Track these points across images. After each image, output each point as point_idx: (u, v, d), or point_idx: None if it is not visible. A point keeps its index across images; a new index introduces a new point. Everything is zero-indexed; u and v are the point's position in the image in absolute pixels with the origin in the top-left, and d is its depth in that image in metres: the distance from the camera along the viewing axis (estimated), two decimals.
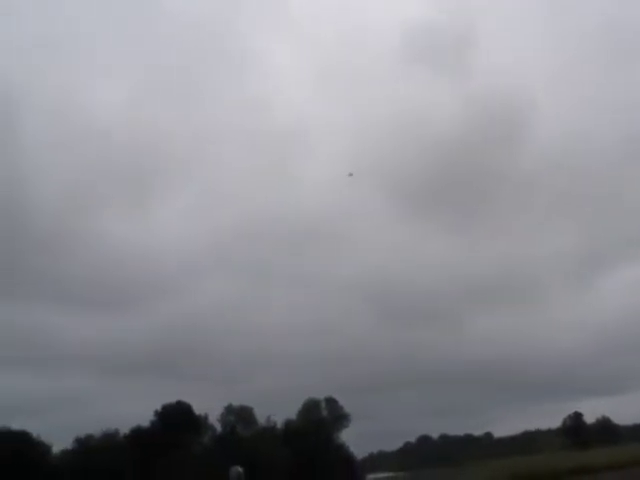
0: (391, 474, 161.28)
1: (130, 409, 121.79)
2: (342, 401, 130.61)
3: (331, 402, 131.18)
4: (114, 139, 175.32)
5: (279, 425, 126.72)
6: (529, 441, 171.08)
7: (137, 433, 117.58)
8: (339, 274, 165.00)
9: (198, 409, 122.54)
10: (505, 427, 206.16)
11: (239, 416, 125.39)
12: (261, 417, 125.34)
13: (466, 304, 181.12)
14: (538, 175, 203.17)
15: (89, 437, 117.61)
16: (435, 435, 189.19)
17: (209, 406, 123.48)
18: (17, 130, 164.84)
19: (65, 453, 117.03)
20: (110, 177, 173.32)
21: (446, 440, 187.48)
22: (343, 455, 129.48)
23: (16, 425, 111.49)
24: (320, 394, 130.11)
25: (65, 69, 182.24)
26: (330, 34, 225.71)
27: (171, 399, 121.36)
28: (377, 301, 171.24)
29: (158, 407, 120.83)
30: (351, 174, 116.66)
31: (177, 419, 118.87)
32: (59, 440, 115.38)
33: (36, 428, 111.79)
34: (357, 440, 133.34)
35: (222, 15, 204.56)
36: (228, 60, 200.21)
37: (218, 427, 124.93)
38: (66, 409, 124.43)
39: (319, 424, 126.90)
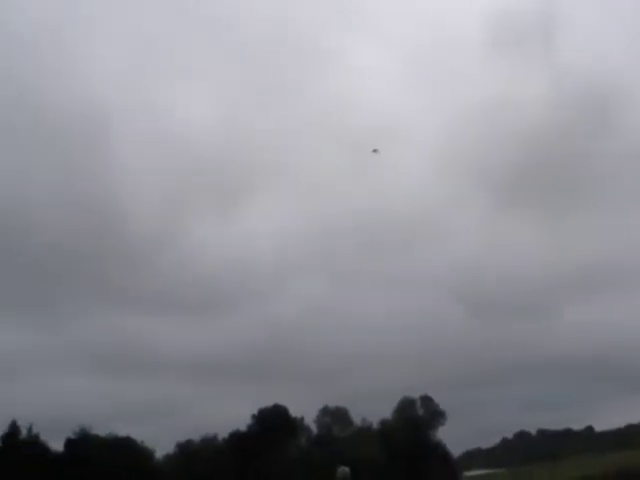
0: (489, 471, 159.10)
1: (228, 413, 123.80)
2: (437, 399, 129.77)
3: (426, 400, 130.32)
4: (205, 145, 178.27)
5: (375, 425, 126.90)
6: (633, 435, 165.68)
7: (235, 437, 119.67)
8: (430, 269, 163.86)
9: (294, 411, 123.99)
10: (607, 420, 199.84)
11: (335, 417, 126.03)
12: (357, 417, 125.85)
13: (560, 294, 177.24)
14: (631, 160, 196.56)
15: (189, 442, 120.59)
16: (533, 430, 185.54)
17: (305, 408, 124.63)
18: (112, 142, 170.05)
19: (168, 458, 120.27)
20: (201, 183, 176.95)
21: (544, 435, 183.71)
22: (440, 453, 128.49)
23: (121, 431, 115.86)
24: (415, 392, 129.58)
25: (154, 80, 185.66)
26: (413, 26, 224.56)
27: (267, 402, 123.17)
28: (469, 295, 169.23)
29: (255, 411, 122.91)
30: (376, 150, 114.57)
31: (274, 422, 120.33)
32: (161, 445, 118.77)
33: (139, 434, 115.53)
34: (453, 438, 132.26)
35: (306, 14, 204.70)
36: (313, 59, 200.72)
37: (314, 429, 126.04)
38: (166, 414, 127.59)
39: (415, 423, 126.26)
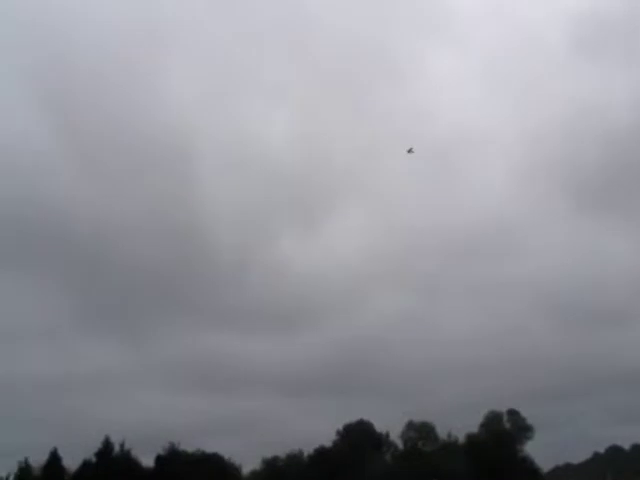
0: None
1: (313, 429, 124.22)
2: (525, 412, 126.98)
3: (513, 414, 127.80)
4: (286, 163, 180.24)
5: (461, 439, 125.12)
6: None
7: (321, 453, 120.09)
8: (514, 279, 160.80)
9: (379, 427, 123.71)
10: None
11: (420, 432, 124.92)
12: (442, 432, 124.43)
13: None
14: None
15: (275, 458, 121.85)
16: (626, 445, 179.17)
17: (390, 423, 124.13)
18: (196, 165, 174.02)
19: (254, 474, 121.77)
20: (283, 201, 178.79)
21: (639, 450, 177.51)
22: (528, 468, 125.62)
23: (208, 447, 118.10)
24: (501, 406, 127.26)
25: (235, 101, 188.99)
26: (493, 32, 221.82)
27: (352, 418, 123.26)
28: (555, 304, 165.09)
29: (340, 426, 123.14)
30: (410, 150, 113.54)
31: (359, 438, 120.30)
32: (247, 461, 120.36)
33: (226, 450, 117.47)
34: (542, 452, 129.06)
35: (381, 28, 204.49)
36: (390, 72, 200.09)
37: (399, 444, 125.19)
38: (252, 430, 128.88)
39: (502, 437, 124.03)
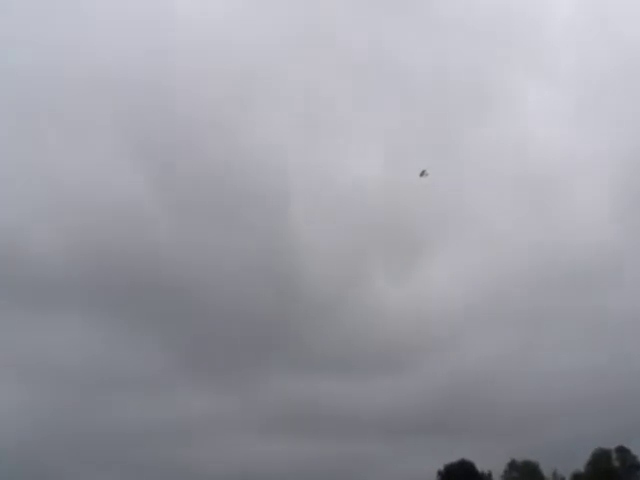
0: None
1: (413, 470, 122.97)
2: (635, 450, 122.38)
3: (622, 451, 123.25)
4: (377, 204, 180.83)
5: (567, 479, 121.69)
6: None
7: None
8: (618, 311, 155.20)
9: (481, 466, 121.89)
10: None
11: (523, 471, 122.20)
12: (547, 471, 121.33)
13: None
14: None
15: None
16: None
17: (492, 463, 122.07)
18: (291, 209, 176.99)
19: None
20: (376, 243, 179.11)
21: None
22: None
23: None
24: (610, 443, 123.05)
25: (323, 138, 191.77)
26: (587, 62, 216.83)
27: (453, 458, 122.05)
28: None
29: (441, 467, 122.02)
30: (424, 172, 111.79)
31: (460, 478, 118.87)
32: None
33: None
34: None
35: (473, 57, 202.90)
36: (480, 102, 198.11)
37: None
38: (353, 474, 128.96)
39: (610, 476, 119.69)
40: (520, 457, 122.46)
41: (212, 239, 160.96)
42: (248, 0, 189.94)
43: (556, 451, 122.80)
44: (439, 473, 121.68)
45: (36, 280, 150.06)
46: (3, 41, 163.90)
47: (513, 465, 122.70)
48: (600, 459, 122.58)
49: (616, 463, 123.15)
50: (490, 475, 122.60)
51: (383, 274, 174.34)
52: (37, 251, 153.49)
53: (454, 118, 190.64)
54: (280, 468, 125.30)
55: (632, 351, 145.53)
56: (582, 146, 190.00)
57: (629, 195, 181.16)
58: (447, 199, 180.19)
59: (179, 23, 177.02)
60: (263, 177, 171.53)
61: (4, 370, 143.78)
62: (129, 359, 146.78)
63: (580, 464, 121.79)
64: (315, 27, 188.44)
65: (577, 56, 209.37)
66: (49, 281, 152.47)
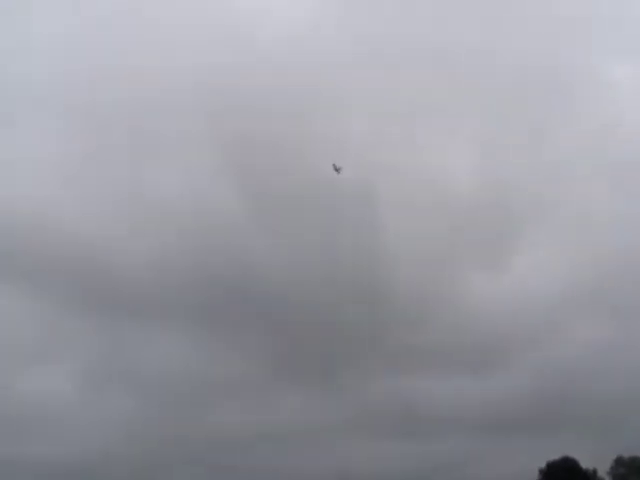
0: None
1: (514, 468, 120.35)
2: None
3: None
4: (466, 201, 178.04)
5: None
6: None
7: None
8: None
9: (585, 464, 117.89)
10: None
11: (631, 468, 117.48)
12: None
13: None
14: None
15: None
16: None
17: (597, 460, 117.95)
18: (380, 210, 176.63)
19: None
20: (467, 240, 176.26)
21: None
22: None
23: None
24: None
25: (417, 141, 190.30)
26: None
27: (555, 455, 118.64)
28: None
29: (543, 465, 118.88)
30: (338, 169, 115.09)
31: (564, 476, 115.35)
32: None
33: None
34: None
35: (554, 41, 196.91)
36: (565, 88, 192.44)
37: None
38: (452, 473, 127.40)
39: None
40: (627, 453, 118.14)
41: (304, 247, 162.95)
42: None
43: None
44: (541, 471, 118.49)
45: (135, 295, 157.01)
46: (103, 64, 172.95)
47: (620, 461, 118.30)
48: None
49: None
50: (595, 472, 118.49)
51: (478, 271, 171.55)
52: (134, 265, 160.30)
53: (543, 107, 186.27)
54: (380, 469, 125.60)
55: None
56: None
57: None
58: (538, 191, 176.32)
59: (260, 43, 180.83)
60: (351, 181, 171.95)
61: (115, 379, 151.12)
62: (229, 366, 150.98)
63: None
64: (406, 26, 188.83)
65: None
66: (147, 295, 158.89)
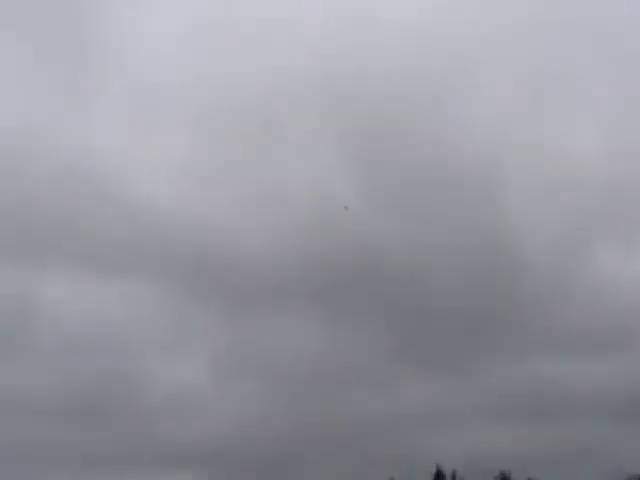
0: None
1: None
2: None
3: None
4: (599, 177, 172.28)
5: None
6: None
7: None
8: None
9: None
10: None
11: None
12: None
13: None
14: None
15: None
16: None
17: None
18: (506, 189, 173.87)
19: None
20: (600, 217, 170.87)
21: None
22: None
23: (539, 476, 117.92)
24: None
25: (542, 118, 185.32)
26: None
27: None
28: None
29: None
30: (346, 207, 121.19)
31: None
32: None
33: (557, 478, 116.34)
34: None
35: None
36: None
37: None
38: (584, 458, 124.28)
39: None
40: None
41: (426, 229, 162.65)
42: None
43: None
44: None
45: (261, 282, 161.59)
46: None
47: None
48: None
49: None
50: None
51: (608, 251, 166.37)
52: (260, 254, 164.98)
53: None
54: (512, 452, 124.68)
55: None
56: None
57: None
58: None
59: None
60: (474, 161, 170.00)
61: (245, 368, 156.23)
62: (356, 352, 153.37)
63: None
64: None
65: None
66: (274, 282, 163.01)
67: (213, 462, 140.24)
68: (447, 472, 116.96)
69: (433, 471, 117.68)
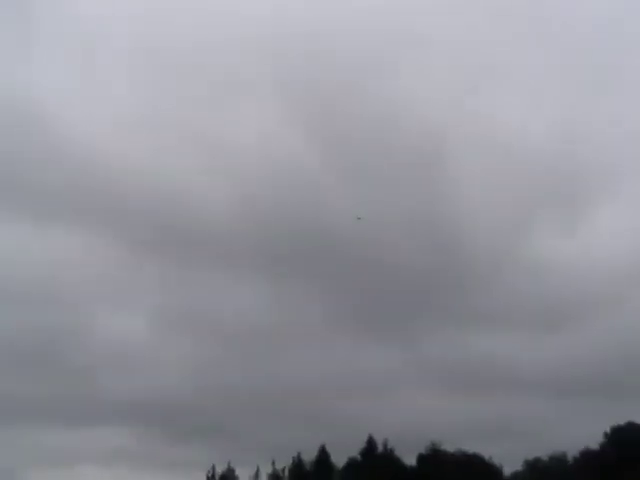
0: None
1: (578, 431, 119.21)
2: None
3: None
4: (541, 159, 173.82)
5: None
6: None
7: (587, 456, 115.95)
8: None
9: None
10: None
11: None
12: None
13: None
14: None
15: (537, 460, 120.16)
16: None
17: None
18: (450, 165, 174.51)
19: (516, 475, 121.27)
20: (540, 199, 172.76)
21: None
22: None
23: (469, 448, 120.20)
24: None
25: (481, 92, 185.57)
26: None
27: (621, 420, 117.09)
28: None
29: (608, 429, 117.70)
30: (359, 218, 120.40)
31: (629, 441, 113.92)
32: (509, 463, 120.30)
33: (487, 451, 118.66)
34: None
35: None
36: None
37: None
38: (514, 432, 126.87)
39: None
40: None
41: (376, 200, 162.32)
42: None
43: None
44: (606, 435, 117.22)
45: (206, 238, 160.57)
46: None
47: None
48: None
49: None
50: None
51: (549, 228, 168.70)
52: (212, 213, 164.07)
53: (619, 67, 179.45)
54: (444, 424, 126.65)
55: None
56: None
57: None
58: (618, 149, 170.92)
59: None
60: (422, 136, 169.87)
61: (186, 325, 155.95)
62: (302, 315, 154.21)
63: None
64: None
65: None
66: (219, 240, 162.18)
67: (149, 417, 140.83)
68: (379, 441, 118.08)
69: (365, 440, 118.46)
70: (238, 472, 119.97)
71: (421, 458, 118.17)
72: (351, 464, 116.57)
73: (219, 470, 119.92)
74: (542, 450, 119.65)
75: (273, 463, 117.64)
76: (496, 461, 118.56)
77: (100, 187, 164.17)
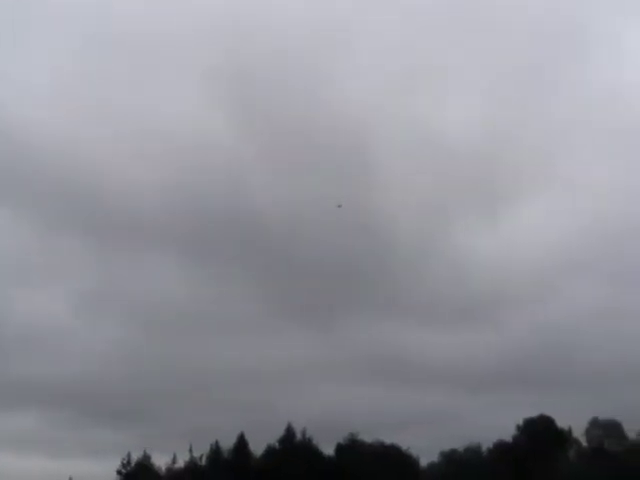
0: None
1: (492, 423, 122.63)
2: None
3: None
4: (466, 148, 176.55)
5: None
6: None
7: (500, 447, 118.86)
8: None
9: (561, 423, 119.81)
10: None
11: (606, 430, 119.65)
12: (630, 431, 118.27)
13: None
14: None
15: (453, 451, 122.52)
16: None
17: (573, 420, 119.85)
18: (372, 157, 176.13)
19: (432, 466, 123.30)
20: (462, 190, 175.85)
21: None
22: None
23: (387, 438, 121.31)
24: None
25: (408, 85, 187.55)
26: None
27: (533, 413, 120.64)
28: None
29: (520, 421, 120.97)
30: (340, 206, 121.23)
31: (540, 433, 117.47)
32: (426, 454, 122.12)
33: (404, 442, 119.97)
34: None
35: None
36: (575, 50, 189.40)
37: (583, 442, 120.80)
38: (431, 423, 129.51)
39: None
40: (603, 415, 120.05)
41: (298, 187, 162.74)
42: None
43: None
44: (518, 427, 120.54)
45: (129, 222, 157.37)
46: None
47: (595, 423, 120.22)
48: None
49: None
50: (570, 431, 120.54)
51: (469, 222, 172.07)
52: (131, 192, 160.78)
53: (548, 68, 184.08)
54: (362, 414, 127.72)
55: None
56: None
57: None
58: (538, 145, 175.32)
59: None
60: (344, 123, 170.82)
61: (109, 307, 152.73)
62: (224, 300, 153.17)
63: None
64: None
65: None
66: (143, 223, 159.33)
67: (63, 402, 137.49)
68: (298, 430, 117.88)
69: (284, 427, 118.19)
70: (154, 459, 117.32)
71: (339, 448, 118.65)
72: (270, 452, 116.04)
73: (135, 457, 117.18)
74: (458, 441, 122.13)
75: (190, 450, 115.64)
76: (413, 452, 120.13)
77: (19, 167, 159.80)
